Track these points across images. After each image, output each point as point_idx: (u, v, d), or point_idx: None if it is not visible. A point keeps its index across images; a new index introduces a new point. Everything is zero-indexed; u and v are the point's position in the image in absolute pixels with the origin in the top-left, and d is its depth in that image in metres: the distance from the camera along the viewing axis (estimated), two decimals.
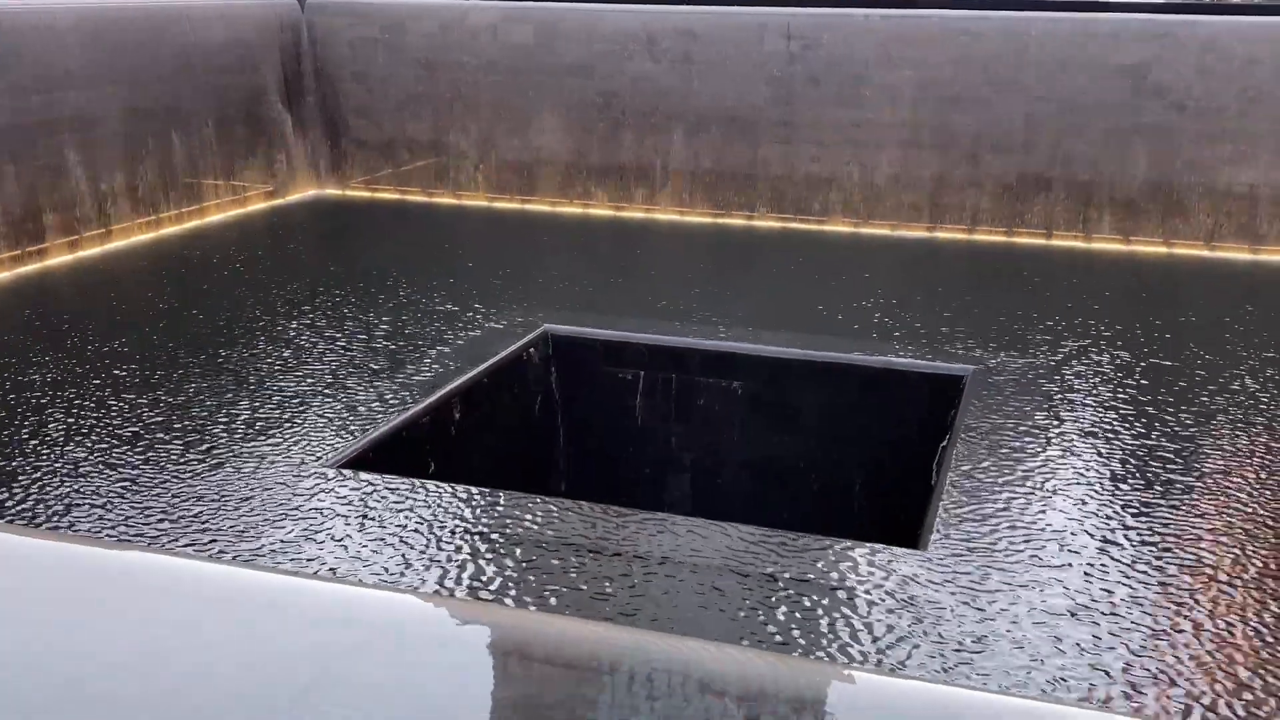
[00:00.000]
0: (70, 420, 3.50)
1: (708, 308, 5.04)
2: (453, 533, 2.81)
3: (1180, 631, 2.42)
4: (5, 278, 5.44)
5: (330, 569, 2.63)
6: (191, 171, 6.96)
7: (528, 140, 7.76)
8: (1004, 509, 3.02)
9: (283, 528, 2.83)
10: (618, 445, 4.81)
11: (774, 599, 2.53)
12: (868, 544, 2.80)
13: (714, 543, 2.79)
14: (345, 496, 3.03)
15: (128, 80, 6.42)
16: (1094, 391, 3.97)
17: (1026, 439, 3.53)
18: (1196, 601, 2.55)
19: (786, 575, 2.63)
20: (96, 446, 3.30)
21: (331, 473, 3.17)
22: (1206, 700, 2.16)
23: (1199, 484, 3.21)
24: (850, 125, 7.02)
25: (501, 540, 2.78)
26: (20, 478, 3.08)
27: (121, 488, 3.05)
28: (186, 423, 3.52)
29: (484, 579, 2.61)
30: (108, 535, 2.80)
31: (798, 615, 2.47)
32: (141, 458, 3.24)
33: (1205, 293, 5.80)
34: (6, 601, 0.86)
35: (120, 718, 0.72)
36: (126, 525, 2.84)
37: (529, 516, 2.93)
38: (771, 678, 0.76)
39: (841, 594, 2.55)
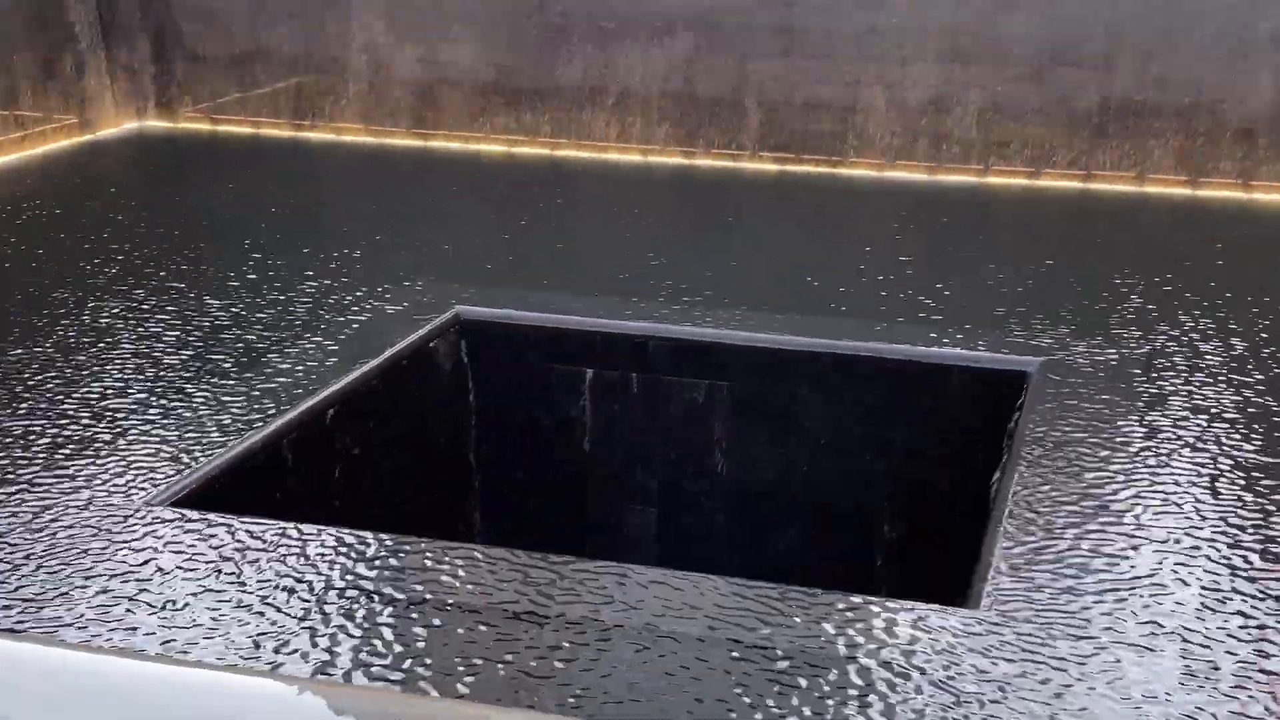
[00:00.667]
0: None
1: (679, 281, 5.05)
2: (332, 593, 2.80)
3: None
4: None
5: (164, 645, 2.60)
6: None
7: (432, 53, 7.74)
8: (1083, 549, 3.05)
9: (96, 589, 2.81)
10: (557, 468, 4.81)
11: (770, 679, 2.54)
12: (898, 601, 2.82)
13: (690, 600, 2.79)
14: (181, 544, 3.00)
15: None
16: (1200, 390, 4.02)
17: (1111, 454, 3.57)
18: None
19: (788, 645, 2.63)
20: None
21: (164, 513, 3.15)
22: None
23: None
24: (864, 38, 7.07)
25: (399, 603, 2.76)
26: None
27: None
28: None
29: (376, 655, 2.59)
30: None
31: (803, 702, 2.48)
32: None
33: None
34: None
35: None
36: None
37: (437, 569, 2.92)
38: None
39: (863, 672, 2.56)
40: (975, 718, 2.43)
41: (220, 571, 2.89)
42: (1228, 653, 2.66)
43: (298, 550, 2.97)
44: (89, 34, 7.83)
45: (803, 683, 2.54)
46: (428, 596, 2.81)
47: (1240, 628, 2.75)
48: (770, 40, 7.19)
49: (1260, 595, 2.89)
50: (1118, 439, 3.67)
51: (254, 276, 4.96)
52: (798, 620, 2.74)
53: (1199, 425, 3.77)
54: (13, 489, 3.26)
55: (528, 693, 2.53)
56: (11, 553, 2.97)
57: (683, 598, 2.82)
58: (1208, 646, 2.68)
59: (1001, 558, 3.01)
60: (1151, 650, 2.65)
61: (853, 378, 4.47)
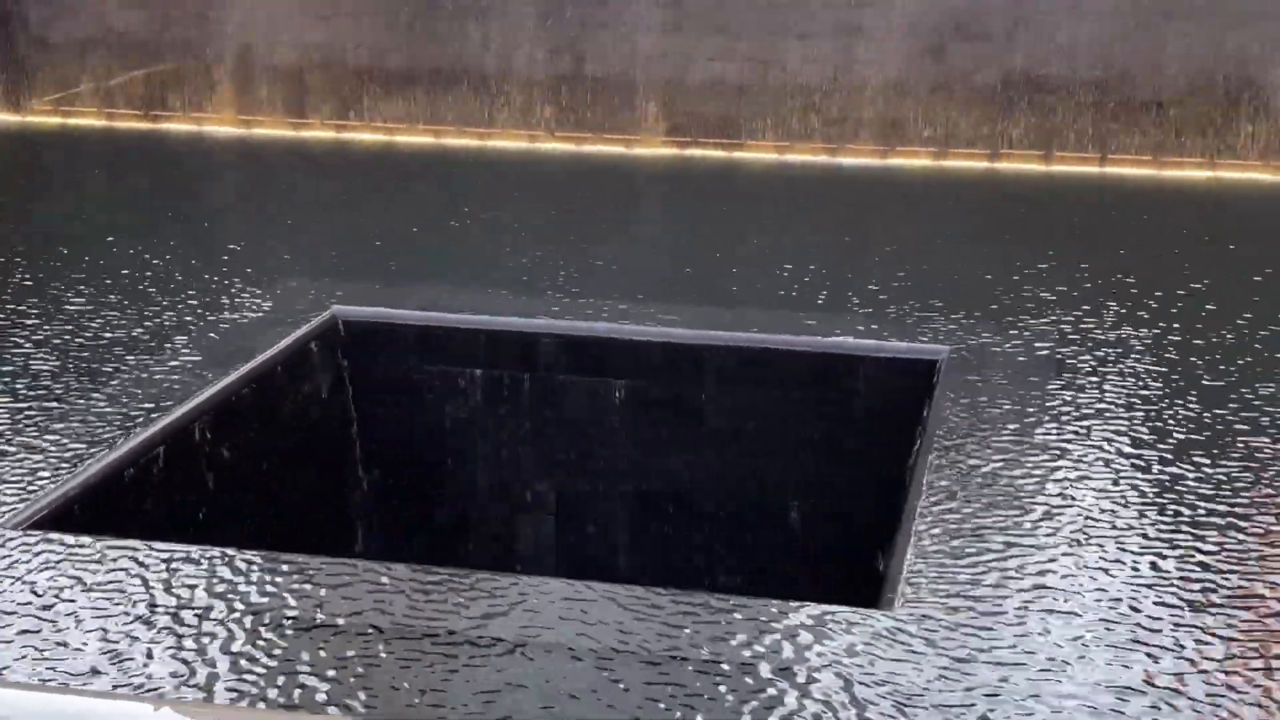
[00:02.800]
0: None
1: (572, 274, 5.05)
2: (205, 617, 2.75)
3: (1250, 678, 2.51)
4: None
5: (33, 672, 2.54)
6: None
7: (299, 35, 7.66)
8: (1000, 545, 3.09)
9: None
10: (446, 476, 4.79)
11: (683, 692, 2.54)
12: (812, 604, 2.83)
13: (593, 613, 2.78)
14: (35, 570, 2.94)
15: None
16: (1113, 377, 4.10)
17: (1022, 441, 3.63)
18: (1249, 635, 2.65)
19: (700, 656, 2.63)
20: None
21: (14, 535, 3.08)
22: None
23: (1254, 495, 3.35)
24: (765, 6, 7.12)
25: (278, 625, 2.72)
26: None
27: None
28: None
29: (251, 682, 2.55)
30: None
31: (714, 712, 2.48)
32: None
33: (1261, 231, 6.06)
34: None
35: None
36: None
37: (318, 587, 2.88)
38: None
39: (779, 678, 2.56)
40: (889, 714, 2.45)
41: (69, 599, 2.82)
42: (1128, 628, 2.71)
43: (158, 572, 2.92)
44: None
45: (715, 691, 2.55)
46: (304, 615, 2.77)
47: (1139, 604, 2.81)
48: (662, 10, 7.21)
49: (1159, 572, 2.95)
50: (1032, 423, 3.74)
51: (114, 277, 4.87)
52: (708, 629, 2.74)
53: (1112, 407, 3.85)
54: None
55: (427, 711, 2.50)
56: None
57: (585, 612, 2.81)
58: (1110, 628, 2.73)
59: (917, 558, 3.04)
60: (1055, 630, 2.70)
61: (758, 371, 4.49)
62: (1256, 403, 3.89)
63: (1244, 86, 6.84)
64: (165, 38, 7.85)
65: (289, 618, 2.77)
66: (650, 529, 4.69)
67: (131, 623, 2.76)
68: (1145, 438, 3.69)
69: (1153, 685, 2.57)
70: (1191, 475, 3.46)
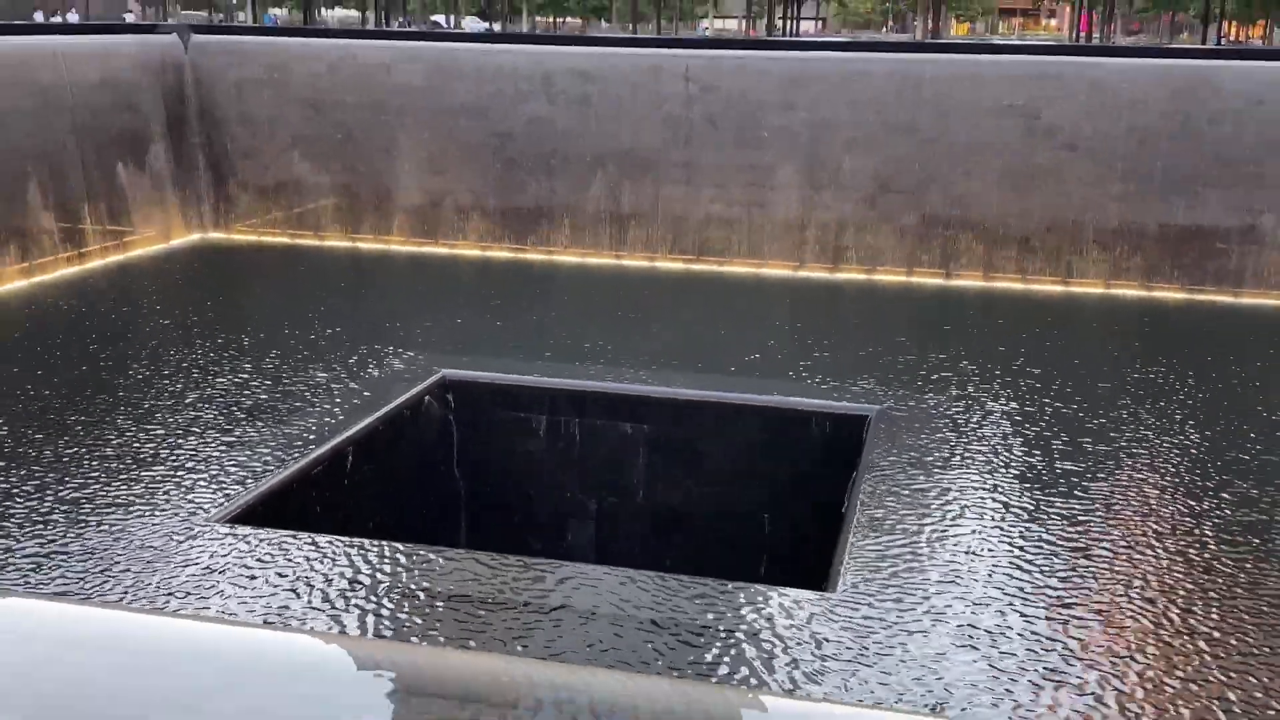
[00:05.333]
0: None
1: (610, 350, 5.08)
2: (347, 588, 2.78)
3: (1088, 646, 2.51)
4: None
5: (233, 611, 2.57)
6: (67, 215, 6.77)
7: (422, 182, 7.74)
8: (909, 548, 3.10)
9: (167, 590, 2.76)
10: (519, 492, 4.79)
11: (681, 646, 2.55)
12: (775, 587, 2.85)
13: (618, 590, 2.80)
14: (232, 553, 2.96)
15: None
16: (993, 424, 4.11)
17: (928, 478, 3.64)
18: (1086, 629, 2.65)
19: (694, 621, 2.65)
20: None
21: (219, 528, 3.11)
22: (1167, 686, 2.26)
23: (1107, 508, 3.35)
24: (745, 166, 7.18)
25: (399, 595, 2.75)
26: None
27: (7, 535, 2.93)
28: (74, 475, 3.41)
29: (381, 629, 2.57)
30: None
31: (706, 661, 2.49)
32: (34, 509, 3.13)
33: (1100, 330, 6.06)
34: None
35: None
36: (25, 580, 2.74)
37: (427, 569, 2.90)
38: (667, 703, 0.78)
39: (749, 639, 2.58)
40: (835, 670, 2.46)
41: (254, 575, 2.85)
42: (1019, 621, 2.71)
43: (316, 556, 2.95)
44: (166, 168, 7.77)
45: (707, 647, 2.56)
46: (418, 588, 2.79)
47: (1030, 602, 2.81)
48: (675, 172, 7.28)
49: (1051, 573, 2.96)
50: (935, 464, 3.74)
51: (291, 348, 4.92)
52: (700, 603, 2.75)
53: (993, 454, 3.85)
54: (111, 507, 3.20)
55: (508, 647, 2.52)
56: (110, 557, 2.91)
57: (613, 590, 2.83)
58: (1005, 616, 2.73)
59: (851, 556, 3.05)
60: (963, 620, 2.70)
61: (740, 421, 4.50)
62: (1091, 448, 3.91)
63: (1082, 228, 6.87)
64: (328, 183, 7.93)
65: (410, 589, 2.80)
66: (660, 532, 4.68)
67: (295, 586, 2.79)
68: (1017, 472, 3.70)
69: (1018, 638, 2.58)
70: (1057, 497, 3.47)
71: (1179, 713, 2.33)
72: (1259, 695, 2.40)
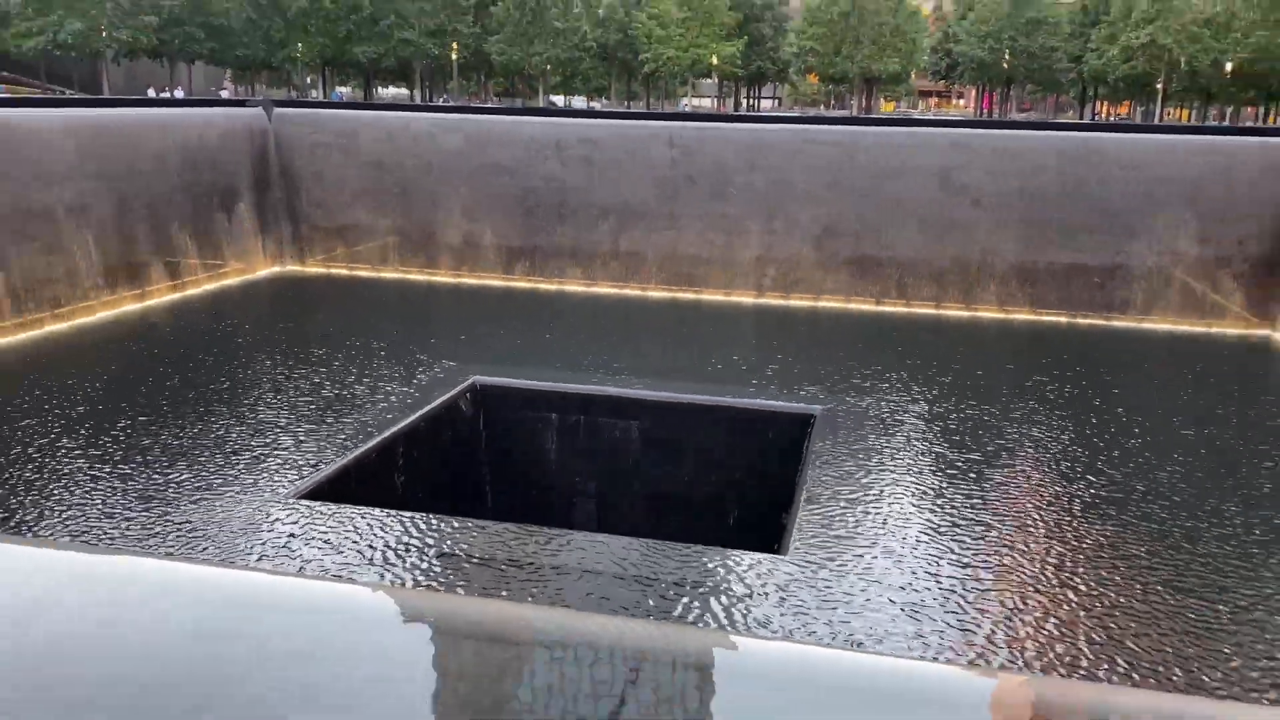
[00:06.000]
0: (91, 450, 3.36)
1: (608, 361, 5.09)
2: (394, 552, 2.78)
3: (983, 595, 2.53)
4: (21, 339, 5.32)
5: (300, 569, 2.57)
6: (173, 251, 6.78)
7: (461, 226, 7.76)
8: (846, 519, 3.12)
9: (248, 552, 2.76)
10: (536, 475, 4.79)
11: (664, 598, 2.56)
12: (739, 551, 2.86)
13: (614, 554, 2.81)
14: (306, 522, 2.97)
15: (111, 176, 6.25)
16: (919, 420, 4.13)
17: (861, 463, 3.65)
18: (982, 582, 2.67)
19: (675, 578, 2.66)
20: (117, 472, 3.17)
21: (296, 502, 3.11)
22: (1048, 624, 2.27)
23: (1003, 489, 3.37)
24: (719, 216, 7.21)
25: (437, 556, 2.75)
26: (52, 493, 2.94)
27: (120, 509, 2.93)
28: (173, 459, 3.41)
29: (424, 582, 2.58)
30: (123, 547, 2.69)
31: (684, 608, 2.50)
32: (135, 485, 3.13)
33: (997, 346, 6.10)
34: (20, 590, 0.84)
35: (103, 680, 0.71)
36: (136, 542, 2.73)
37: (460, 536, 2.91)
38: (657, 644, 0.80)
39: (719, 591, 2.59)
40: (789, 614, 2.46)
41: (320, 539, 2.86)
42: (937, 570, 2.73)
43: (371, 525, 2.95)
44: (252, 214, 7.78)
45: (685, 599, 2.57)
46: (453, 551, 2.80)
47: (942, 557, 2.82)
48: (662, 220, 7.31)
49: (956, 539, 2.97)
50: (866, 452, 3.76)
51: (351, 359, 4.93)
52: (680, 563, 2.76)
53: (914, 443, 3.87)
54: (204, 484, 3.20)
55: (525, 597, 2.53)
56: (204, 525, 2.91)
57: (610, 554, 2.83)
58: (924, 566, 2.74)
59: (800, 525, 3.06)
60: (890, 574, 2.71)
61: (712, 418, 4.51)
62: (990, 440, 3.92)
63: (984, 266, 6.88)
64: (384, 226, 7.93)
65: (446, 551, 2.80)
66: (649, 507, 4.69)
67: (357, 548, 2.79)
68: (931, 460, 3.72)
69: (929, 589, 2.59)
70: (984, 479, 3.48)
71: (1054, 648, 2.35)
72: (1116, 633, 2.42)
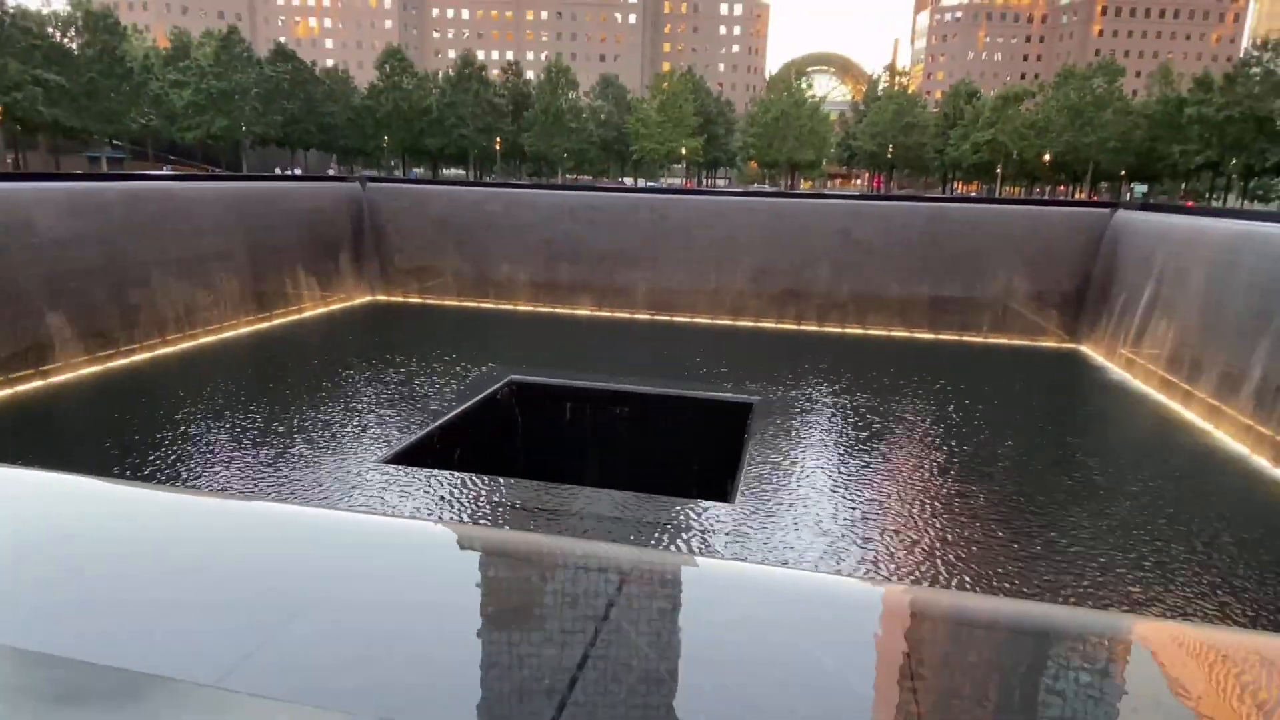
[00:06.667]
0: (234, 427, 3.33)
1: (606, 363, 5.06)
2: (454, 499, 2.76)
3: (873, 528, 2.54)
4: (184, 347, 5.30)
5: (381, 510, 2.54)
6: (294, 286, 6.74)
7: (500, 268, 7.75)
8: (779, 475, 3.11)
9: (349, 499, 2.74)
10: (555, 447, 4.75)
11: (644, 532, 2.55)
12: (699, 500, 2.85)
13: (610, 502, 2.80)
14: (388, 478, 2.94)
15: (250, 231, 6.21)
16: (829, 408, 4.13)
17: (791, 437, 3.65)
18: (881, 522, 2.67)
19: (652, 519, 2.65)
20: (253, 442, 3.14)
21: (383, 466, 3.08)
22: (918, 551, 2.28)
23: (887, 456, 3.38)
24: (686, 260, 7.23)
25: (485, 502, 2.74)
26: (208, 458, 2.91)
27: (256, 470, 2.90)
28: (294, 435, 3.38)
29: (477, 517, 2.56)
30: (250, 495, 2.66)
31: (659, 539, 2.49)
32: (267, 452, 3.10)
33: (885, 356, 6.12)
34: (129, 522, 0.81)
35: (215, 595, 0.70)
36: (257, 490, 2.71)
37: (501, 489, 2.89)
38: (639, 564, 0.81)
39: (684, 529, 2.58)
40: (736, 542, 2.46)
41: (401, 490, 2.83)
42: (843, 509, 2.73)
43: (437, 482, 2.93)
44: (351, 257, 7.70)
45: (661, 532, 2.56)
46: (496, 500, 2.78)
47: (848, 502, 2.83)
48: (645, 262, 7.30)
49: (853, 490, 2.97)
50: (791, 429, 3.76)
51: (421, 363, 4.88)
52: (657, 509, 2.75)
53: (827, 422, 3.87)
54: (316, 452, 3.16)
55: (545, 534, 2.51)
56: (315, 483, 2.88)
57: (609, 502, 2.83)
58: (835, 507, 2.74)
59: (743, 484, 3.06)
60: (810, 513, 2.71)
61: (680, 406, 4.49)
62: (880, 420, 3.92)
63: (875, 298, 6.86)
64: (446, 267, 7.88)
65: (493, 501, 2.78)
66: (635, 471, 4.63)
67: (428, 497, 2.76)
68: (839, 434, 3.72)
69: (835, 524, 2.58)
70: (873, 449, 3.48)
71: (922, 566, 2.35)
72: (965, 556, 2.42)
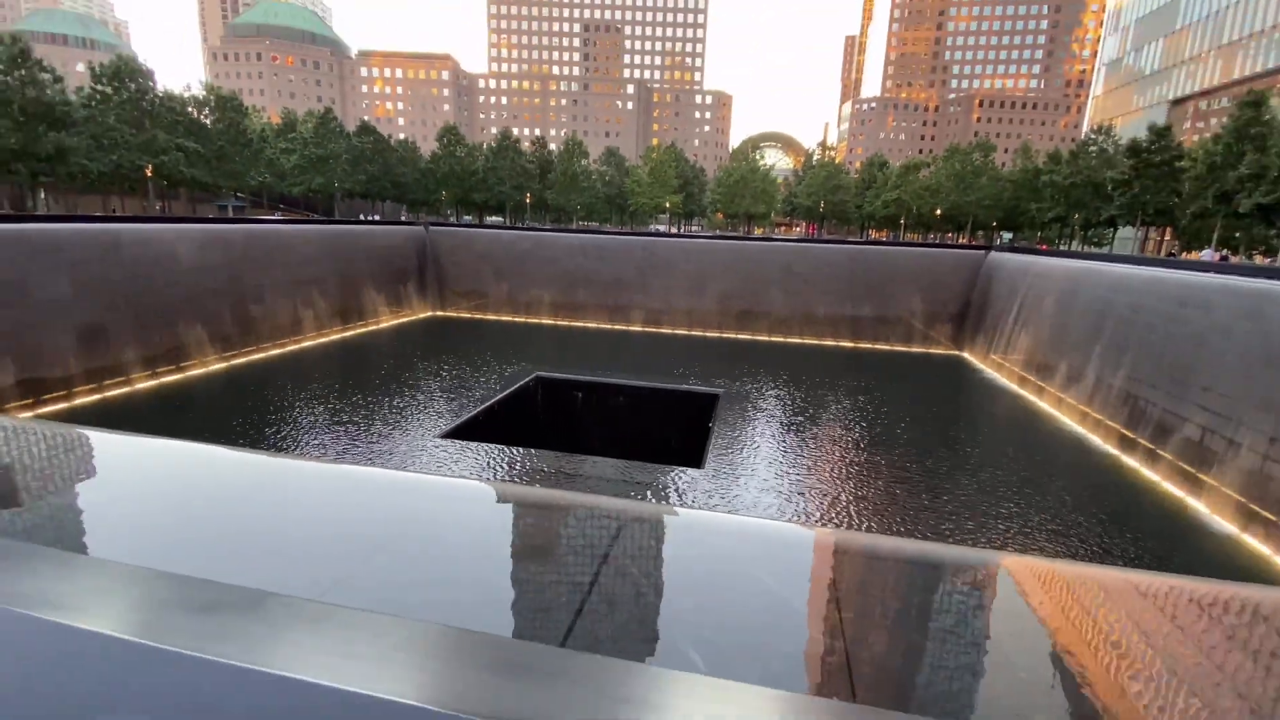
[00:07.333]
0: (324, 412, 3.28)
1: (608, 363, 5.03)
2: (493, 465, 2.74)
3: (813, 487, 2.53)
4: (288, 350, 5.26)
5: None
6: (372, 304, 6.70)
7: (530, 292, 7.71)
8: (738, 448, 3.10)
9: (414, 464, 2.71)
10: (570, 427, 4.72)
11: (636, 490, 2.54)
12: (676, 466, 2.84)
13: (611, 468, 2.78)
14: (443, 452, 2.91)
15: (339, 261, 6.17)
16: (775, 398, 4.12)
17: (747, 420, 3.64)
18: (824, 485, 2.67)
19: (640, 481, 2.64)
20: (338, 423, 3.10)
21: (439, 440, 3.05)
22: (839, 504, 2.29)
23: (817, 435, 3.38)
24: (669, 286, 7.21)
25: (517, 468, 2.72)
26: (305, 435, 2.87)
27: (346, 441, 2.87)
28: (373, 416, 3.34)
29: (509, 479, 2.54)
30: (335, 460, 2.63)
31: (648, 495, 2.48)
32: (344, 431, 3.06)
33: (818, 360, 6.12)
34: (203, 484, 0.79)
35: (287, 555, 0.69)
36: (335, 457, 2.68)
37: (527, 459, 2.87)
38: (632, 513, 0.81)
39: (666, 487, 2.57)
40: (707, 498, 2.45)
41: (454, 459, 2.81)
42: (793, 471, 2.73)
43: (481, 453, 2.90)
44: (416, 283, 7.65)
45: (649, 490, 2.55)
46: (526, 466, 2.76)
47: (796, 465, 2.82)
48: (638, 287, 7.27)
49: (801, 457, 2.97)
50: (749, 413, 3.75)
51: (469, 363, 4.83)
52: (647, 473, 2.74)
53: (776, 408, 3.87)
54: (385, 430, 3.13)
55: (562, 491, 2.49)
56: (386, 452, 2.85)
57: (611, 468, 2.81)
58: (786, 470, 2.74)
59: (711, 454, 3.05)
60: (765, 474, 2.70)
61: (664, 397, 4.47)
62: (819, 409, 3.91)
63: (811, 316, 6.85)
64: (493, 290, 7.82)
65: (522, 466, 2.76)
66: (629, 444, 4.61)
67: (475, 463, 2.73)
68: (787, 418, 3.71)
69: (783, 484, 2.58)
70: (808, 429, 3.47)
71: (850, 515, 2.35)
72: (882, 509, 2.43)
